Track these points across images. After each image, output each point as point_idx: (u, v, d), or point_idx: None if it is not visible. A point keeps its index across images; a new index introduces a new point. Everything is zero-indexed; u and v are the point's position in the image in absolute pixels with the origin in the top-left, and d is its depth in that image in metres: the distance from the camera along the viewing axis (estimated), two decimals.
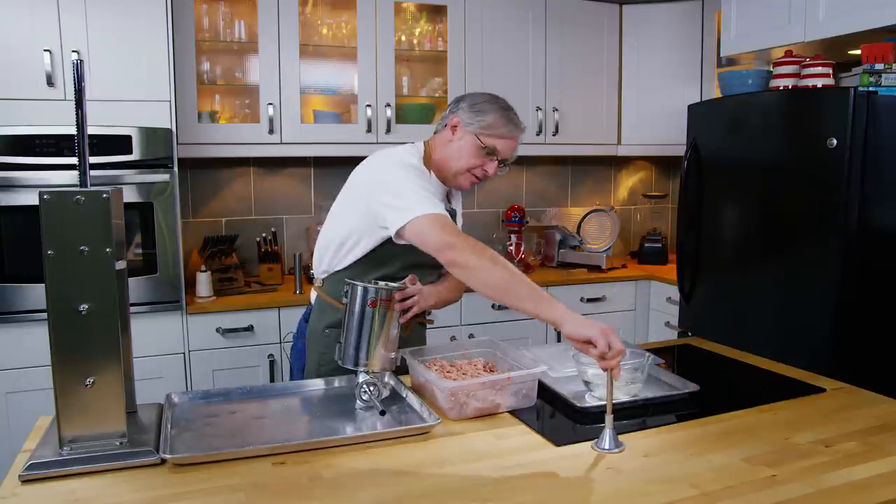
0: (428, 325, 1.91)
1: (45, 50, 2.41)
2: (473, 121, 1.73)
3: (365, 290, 1.51)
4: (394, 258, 1.75)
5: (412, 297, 1.69)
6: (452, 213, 1.89)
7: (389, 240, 1.66)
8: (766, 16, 2.90)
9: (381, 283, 1.55)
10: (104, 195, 1.20)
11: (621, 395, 1.51)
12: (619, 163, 4.03)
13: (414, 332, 1.90)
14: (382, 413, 1.41)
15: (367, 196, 1.69)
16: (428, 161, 1.81)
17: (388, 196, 1.62)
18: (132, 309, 1.56)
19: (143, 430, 1.33)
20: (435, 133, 1.84)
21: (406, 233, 1.58)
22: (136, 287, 2.55)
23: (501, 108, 1.75)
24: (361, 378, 1.50)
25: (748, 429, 1.40)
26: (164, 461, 1.23)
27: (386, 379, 1.62)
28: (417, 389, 1.60)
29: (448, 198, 1.90)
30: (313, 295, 1.91)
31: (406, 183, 1.64)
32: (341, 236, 1.77)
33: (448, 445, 1.33)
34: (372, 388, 1.48)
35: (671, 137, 3.40)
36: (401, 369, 1.68)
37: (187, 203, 3.18)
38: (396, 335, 1.55)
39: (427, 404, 1.47)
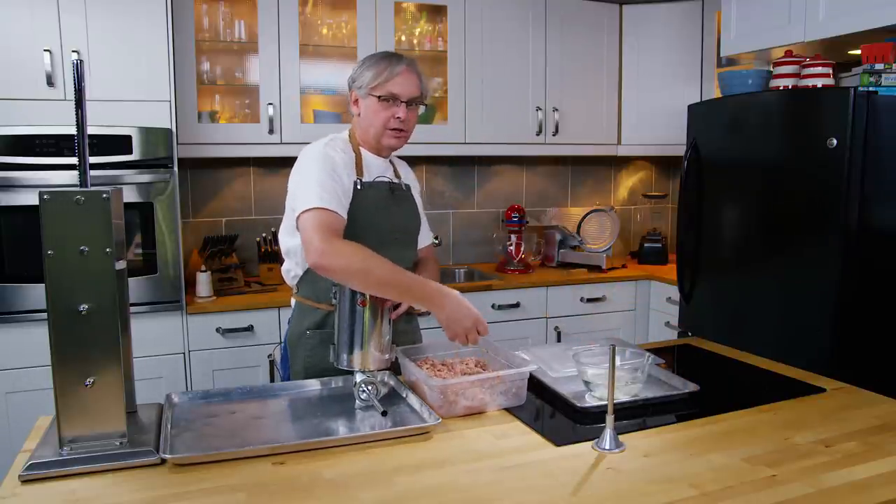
0: (418, 313, 1.90)
1: (45, 50, 2.41)
2: (362, 86, 1.79)
3: (353, 290, 1.51)
4: None
5: None
6: (407, 188, 1.91)
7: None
8: (766, 16, 2.90)
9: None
10: (104, 195, 1.20)
11: (621, 395, 1.51)
12: (619, 163, 4.03)
13: (406, 323, 1.91)
14: (384, 414, 1.41)
15: (293, 192, 1.75)
16: (356, 144, 1.85)
17: (298, 186, 1.71)
18: (132, 309, 1.56)
19: (143, 430, 1.33)
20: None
21: (298, 222, 1.65)
22: (136, 287, 2.55)
23: (376, 59, 1.80)
24: (359, 377, 1.50)
25: (748, 429, 1.40)
26: (164, 461, 1.23)
27: (386, 378, 1.62)
28: (410, 388, 1.60)
29: (396, 173, 1.91)
30: (293, 301, 1.92)
31: (311, 174, 1.70)
32: (296, 241, 1.78)
33: (448, 445, 1.33)
34: (370, 388, 1.48)
35: (671, 137, 3.40)
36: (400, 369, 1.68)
37: (187, 203, 3.18)
38: (389, 332, 1.55)
39: (427, 404, 1.47)
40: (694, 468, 1.22)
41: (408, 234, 1.90)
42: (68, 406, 1.22)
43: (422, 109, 1.86)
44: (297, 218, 1.65)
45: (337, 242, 1.58)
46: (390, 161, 1.92)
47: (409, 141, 1.94)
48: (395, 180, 1.89)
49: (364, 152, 1.84)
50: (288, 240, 1.82)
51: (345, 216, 1.67)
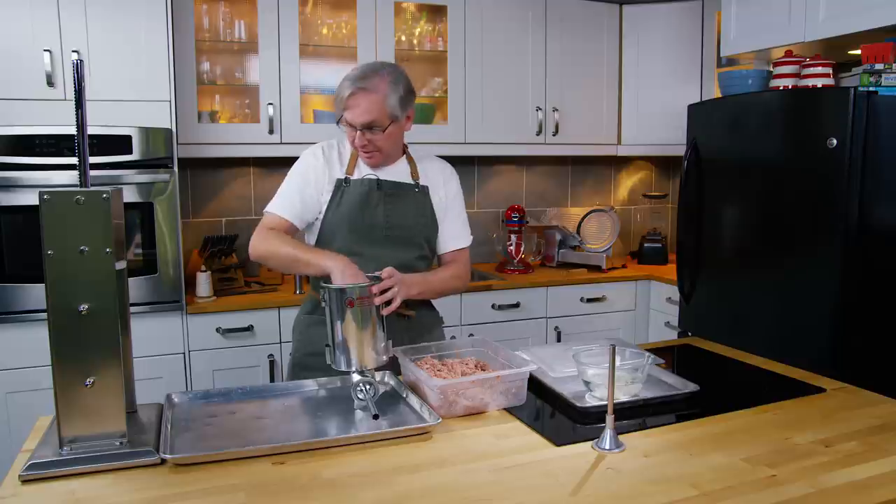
0: (408, 318, 1.87)
1: (45, 50, 2.41)
2: None
3: (341, 290, 1.51)
4: (332, 242, 1.85)
5: (391, 288, 1.65)
6: (423, 190, 1.91)
7: (321, 230, 1.87)
8: (766, 16, 2.90)
9: (359, 281, 1.57)
10: (104, 195, 1.20)
11: (621, 395, 1.51)
12: (619, 163, 4.03)
13: (428, 324, 1.93)
14: (375, 417, 1.40)
15: None
16: None
17: None
18: (132, 309, 1.56)
19: (143, 430, 1.33)
20: None
21: None
22: (136, 287, 2.55)
23: (344, 78, 1.79)
24: (356, 378, 1.50)
25: (748, 429, 1.40)
26: (164, 461, 1.23)
27: (386, 378, 1.62)
28: (410, 388, 1.59)
29: (414, 172, 1.92)
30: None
31: (288, 176, 1.87)
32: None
33: (448, 445, 1.33)
34: (368, 388, 1.48)
35: (671, 137, 3.40)
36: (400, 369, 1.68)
37: (187, 203, 3.18)
38: (382, 330, 1.55)
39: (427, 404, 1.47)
40: (694, 468, 1.22)
41: (405, 232, 1.88)
42: (68, 406, 1.22)
43: (374, 134, 1.78)
44: None
45: (257, 235, 1.80)
46: (409, 161, 1.92)
47: (409, 141, 1.94)
48: (401, 179, 1.88)
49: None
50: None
51: (290, 218, 1.81)
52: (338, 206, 1.82)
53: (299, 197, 1.82)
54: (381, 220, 1.83)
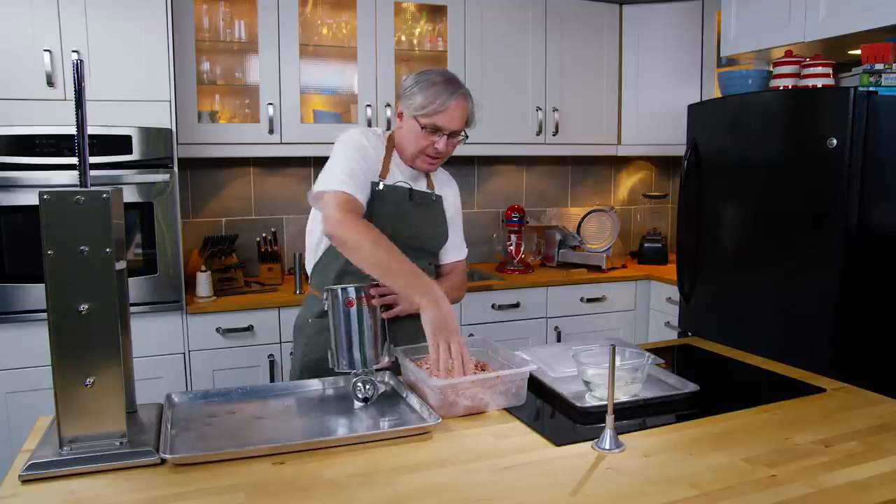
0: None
1: (45, 50, 2.42)
2: (408, 106, 1.76)
3: (344, 290, 1.52)
4: None
5: (392, 294, 1.67)
6: (437, 199, 1.91)
7: None
8: (766, 16, 2.90)
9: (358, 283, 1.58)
10: (104, 195, 1.20)
11: (621, 395, 1.51)
12: (619, 163, 4.03)
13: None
14: (365, 400, 1.45)
15: (322, 173, 1.77)
16: (391, 147, 1.85)
17: (327, 169, 1.73)
18: (132, 309, 1.56)
19: (143, 430, 1.33)
20: None
21: (321, 200, 1.69)
22: (136, 287, 2.55)
23: (429, 84, 1.74)
24: (356, 377, 1.50)
25: (748, 429, 1.40)
26: (164, 461, 1.23)
27: (386, 378, 1.62)
28: (410, 388, 1.59)
29: (430, 182, 1.91)
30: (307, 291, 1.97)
31: (338, 159, 1.72)
32: (312, 226, 1.86)
33: (448, 445, 1.32)
34: (367, 387, 1.48)
35: (671, 137, 3.40)
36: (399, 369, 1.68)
37: (187, 203, 3.18)
38: (384, 333, 1.55)
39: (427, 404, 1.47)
40: (694, 468, 1.22)
41: (423, 242, 1.88)
42: (68, 406, 1.22)
43: (461, 139, 1.81)
44: (316, 196, 1.70)
45: (351, 217, 1.62)
46: None
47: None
48: (421, 188, 1.88)
49: (395, 156, 1.84)
50: (312, 227, 1.87)
51: (363, 201, 1.70)
52: (370, 211, 1.75)
53: (363, 179, 1.72)
54: (405, 229, 1.80)
